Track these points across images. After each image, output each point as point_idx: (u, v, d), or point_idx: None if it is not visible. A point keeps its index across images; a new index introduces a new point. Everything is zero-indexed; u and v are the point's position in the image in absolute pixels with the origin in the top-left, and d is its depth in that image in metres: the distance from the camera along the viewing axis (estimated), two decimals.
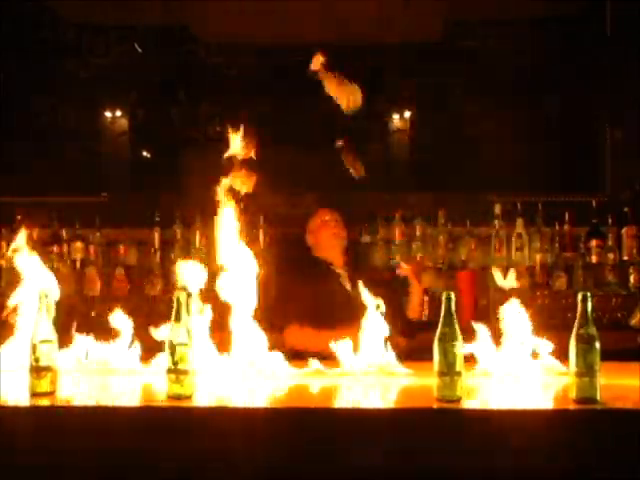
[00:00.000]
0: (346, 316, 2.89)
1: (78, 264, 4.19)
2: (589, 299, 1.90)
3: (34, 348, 2.00)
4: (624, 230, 4.08)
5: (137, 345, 2.48)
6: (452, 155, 4.46)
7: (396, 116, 4.63)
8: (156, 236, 4.21)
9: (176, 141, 4.64)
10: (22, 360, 2.14)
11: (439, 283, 3.92)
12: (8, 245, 4.10)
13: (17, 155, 4.36)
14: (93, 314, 3.61)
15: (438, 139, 4.52)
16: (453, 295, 1.95)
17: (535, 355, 2.32)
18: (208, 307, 2.41)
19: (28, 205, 4.17)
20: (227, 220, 2.56)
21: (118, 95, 4.61)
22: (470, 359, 2.26)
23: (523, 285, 3.89)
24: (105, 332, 2.50)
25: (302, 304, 3.07)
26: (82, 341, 2.48)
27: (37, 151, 4.44)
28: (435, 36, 4.41)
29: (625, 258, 4.07)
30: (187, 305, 2.01)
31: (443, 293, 1.96)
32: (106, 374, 2.40)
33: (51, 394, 2.00)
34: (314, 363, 2.39)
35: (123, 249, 4.22)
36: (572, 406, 1.87)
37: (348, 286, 3.23)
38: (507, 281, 2.64)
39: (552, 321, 3.81)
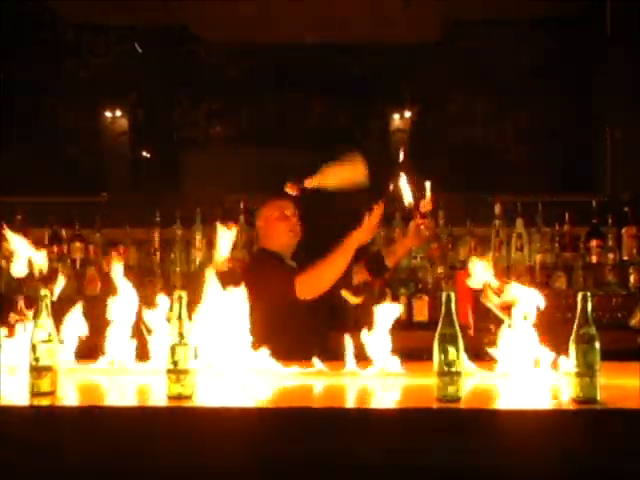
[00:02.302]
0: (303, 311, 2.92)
1: (78, 264, 4.19)
2: (589, 299, 1.90)
3: (34, 348, 2.00)
4: (624, 230, 4.08)
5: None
6: (452, 155, 4.46)
7: (396, 116, 4.63)
8: (156, 236, 4.21)
9: (176, 141, 4.64)
10: (22, 360, 2.14)
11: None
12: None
13: (17, 155, 4.36)
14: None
15: (438, 139, 4.53)
16: (453, 295, 1.94)
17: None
18: None
19: (28, 205, 4.17)
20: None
21: (118, 95, 4.61)
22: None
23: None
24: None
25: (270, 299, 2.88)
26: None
27: (37, 151, 4.44)
28: (435, 36, 4.41)
29: (625, 258, 4.07)
30: (186, 305, 2.01)
31: (443, 293, 1.96)
32: (105, 374, 2.40)
33: (51, 394, 2.00)
34: (316, 364, 2.39)
35: (123, 249, 4.22)
36: (572, 406, 1.87)
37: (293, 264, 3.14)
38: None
39: (552, 321, 3.82)
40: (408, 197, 2.96)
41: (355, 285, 3.23)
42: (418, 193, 2.98)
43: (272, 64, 4.56)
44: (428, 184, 2.94)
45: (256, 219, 3.29)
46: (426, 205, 3.00)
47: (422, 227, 3.04)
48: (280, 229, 3.15)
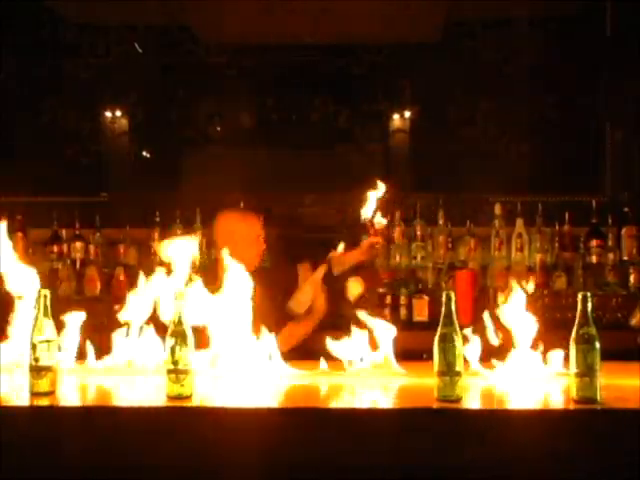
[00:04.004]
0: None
1: (78, 264, 4.19)
2: (589, 299, 1.90)
3: (34, 348, 2.00)
4: (624, 230, 4.08)
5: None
6: (452, 155, 4.46)
7: (396, 116, 4.63)
8: (156, 236, 4.21)
9: (176, 141, 4.64)
10: (22, 360, 2.14)
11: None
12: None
13: (17, 155, 4.36)
14: None
15: (438, 139, 4.52)
16: (453, 295, 1.95)
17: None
18: None
19: (28, 205, 4.17)
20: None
21: (118, 95, 4.61)
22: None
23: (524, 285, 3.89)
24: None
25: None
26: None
27: (37, 151, 4.44)
28: (435, 36, 4.40)
29: (625, 258, 4.07)
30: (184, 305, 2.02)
31: (443, 293, 1.96)
32: (106, 374, 2.40)
33: (51, 394, 2.00)
34: (321, 364, 2.39)
35: (123, 249, 4.22)
36: (572, 406, 1.87)
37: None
38: None
39: (552, 321, 3.82)
40: (367, 214, 3.04)
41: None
42: (375, 210, 3.05)
43: (272, 64, 4.56)
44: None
45: (218, 229, 3.17)
46: (380, 224, 3.07)
47: (374, 244, 3.11)
48: (251, 252, 3.07)
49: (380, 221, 3.10)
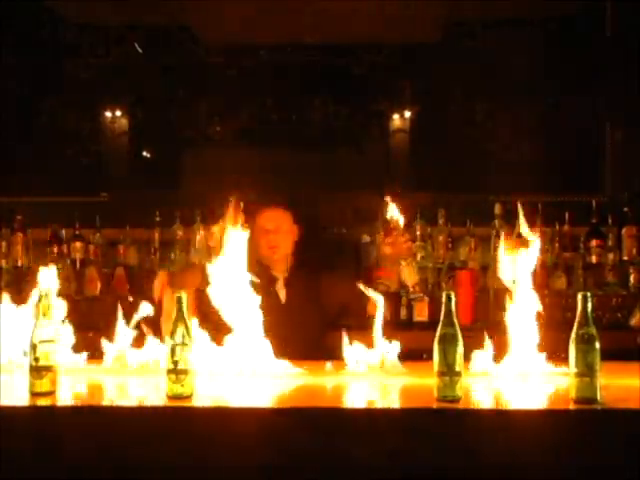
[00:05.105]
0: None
1: (78, 264, 4.19)
2: (589, 299, 1.90)
3: (34, 348, 2.00)
4: (624, 230, 4.08)
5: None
6: (452, 155, 4.46)
7: (396, 116, 4.63)
8: (156, 236, 4.21)
9: (176, 141, 4.64)
10: (22, 360, 2.14)
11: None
12: (8, 245, 4.13)
13: (17, 155, 4.36)
14: None
15: (438, 139, 4.53)
16: (453, 295, 1.95)
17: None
18: None
19: (28, 205, 4.17)
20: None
21: (118, 95, 4.61)
22: None
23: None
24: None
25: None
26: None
27: (37, 151, 4.44)
28: (435, 36, 4.41)
29: (625, 258, 4.07)
30: (186, 305, 2.02)
31: (443, 293, 1.96)
32: (105, 374, 2.40)
33: (51, 394, 2.00)
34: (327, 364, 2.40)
35: (123, 249, 4.22)
36: (572, 406, 1.87)
37: (282, 292, 3.10)
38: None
39: (552, 321, 3.81)
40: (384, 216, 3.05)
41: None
42: (388, 213, 3.04)
43: (272, 64, 4.56)
44: (394, 206, 3.01)
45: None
46: (393, 223, 3.05)
47: (388, 245, 3.08)
48: (260, 244, 3.08)
49: (394, 218, 3.07)
